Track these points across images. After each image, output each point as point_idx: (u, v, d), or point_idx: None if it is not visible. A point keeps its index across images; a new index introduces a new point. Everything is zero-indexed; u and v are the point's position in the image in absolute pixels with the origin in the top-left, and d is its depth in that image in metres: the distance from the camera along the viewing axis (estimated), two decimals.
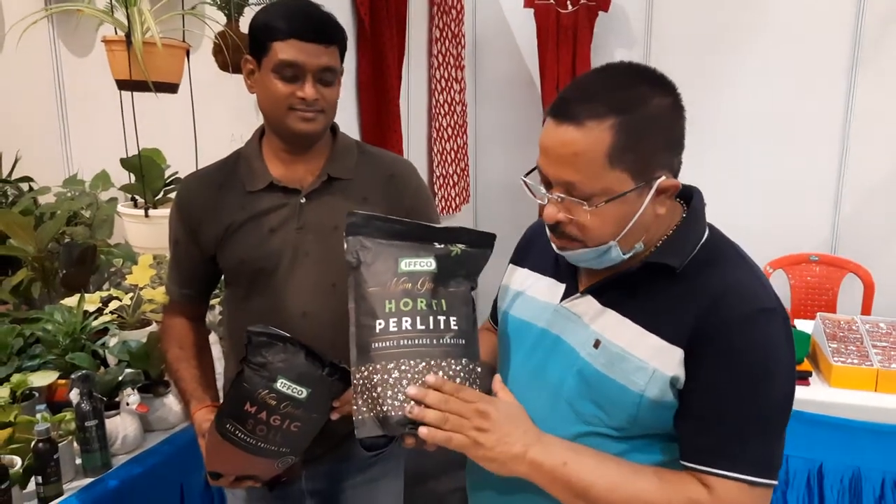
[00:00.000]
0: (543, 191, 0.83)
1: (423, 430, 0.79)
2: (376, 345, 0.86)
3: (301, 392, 0.99)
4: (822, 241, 3.01)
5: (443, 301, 0.88)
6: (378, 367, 0.85)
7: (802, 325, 2.18)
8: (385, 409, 0.83)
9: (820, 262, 2.79)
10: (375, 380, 0.84)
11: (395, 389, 0.83)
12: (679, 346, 0.79)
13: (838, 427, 1.72)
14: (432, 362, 0.85)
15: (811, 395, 1.78)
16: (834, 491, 1.73)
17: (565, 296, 0.90)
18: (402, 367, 0.84)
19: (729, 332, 0.78)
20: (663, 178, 0.79)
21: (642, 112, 0.78)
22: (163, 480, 1.48)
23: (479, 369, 0.87)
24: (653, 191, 0.79)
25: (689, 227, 0.86)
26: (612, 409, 0.83)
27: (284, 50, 1.08)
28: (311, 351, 1.00)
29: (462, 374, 0.85)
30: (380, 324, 0.86)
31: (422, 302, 0.87)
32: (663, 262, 0.82)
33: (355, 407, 0.85)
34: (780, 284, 2.77)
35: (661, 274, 0.83)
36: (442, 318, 0.87)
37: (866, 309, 2.63)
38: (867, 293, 2.64)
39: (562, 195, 0.80)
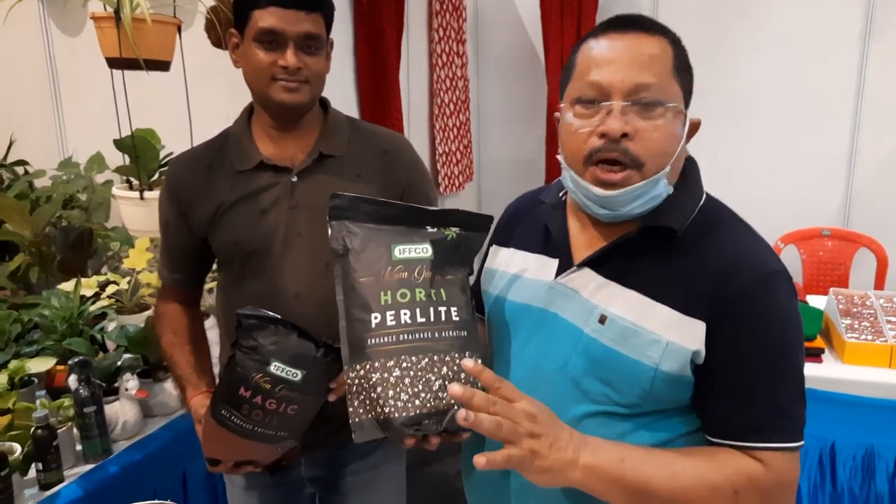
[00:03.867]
0: (602, 105, 0.77)
1: (479, 461, 0.67)
2: (372, 341, 0.79)
3: (296, 374, 0.96)
4: (835, 214, 2.96)
5: (442, 290, 0.82)
6: (376, 365, 0.78)
7: (815, 300, 2.14)
8: (387, 410, 0.76)
9: (832, 237, 2.73)
10: (374, 379, 0.78)
11: (398, 389, 0.77)
12: (699, 319, 0.76)
13: (851, 404, 1.69)
14: (435, 357, 0.78)
15: (824, 373, 1.74)
16: (846, 468, 1.70)
17: (560, 271, 0.86)
18: (404, 365, 0.77)
19: (748, 299, 0.76)
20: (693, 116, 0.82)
21: (682, 45, 0.82)
22: (164, 466, 1.47)
23: (479, 361, 0.81)
24: (687, 124, 0.81)
25: (686, 190, 0.83)
26: (622, 385, 0.79)
27: (264, 17, 1.05)
28: (304, 332, 0.98)
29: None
30: (375, 318, 0.80)
31: (420, 292, 0.80)
32: (663, 225, 0.79)
33: (351, 409, 0.79)
34: (792, 259, 2.73)
35: (660, 240, 0.80)
36: (442, 308, 0.81)
37: (880, 283, 2.58)
38: (880, 267, 2.60)
39: (633, 100, 0.77)
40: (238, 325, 0.98)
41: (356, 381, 0.79)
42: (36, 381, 1.50)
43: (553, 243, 0.89)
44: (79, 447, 1.36)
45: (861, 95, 2.86)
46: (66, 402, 1.38)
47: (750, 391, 0.76)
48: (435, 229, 0.86)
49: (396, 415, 0.76)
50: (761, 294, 0.76)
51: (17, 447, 1.28)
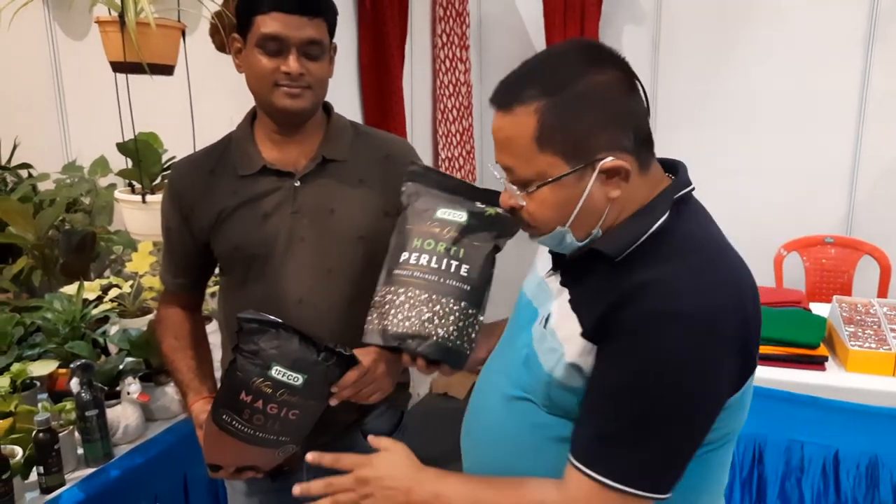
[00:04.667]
0: (501, 177, 0.83)
1: (296, 490, 0.89)
2: (397, 271, 1.01)
3: (297, 379, 0.97)
4: (838, 222, 2.95)
5: (461, 250, 1.01)
6: (392, 289, 1.01)
7: (818, 308, 2.13)
8: (385, 323, 0.99)
9: (835, 244, 2.73)
10: (388, 298, 1.00)
11: (398, 310, 0.99)
12: (587, 339, 0.78)
13: (855, 413, 1.68)
14: (433, 296, 0.98)
15: (827, 381, 1.73)
16: (850, 477, 1.69)
17: (550, 270, 0.91)
18: (408, 294, 0.99)
19: (626, 329, 0.74)
20: (609, 159, 0.75)
21: (571, 91, 0.75)
22: (166, 470, 1.46)
23: (480, 318, 1.00)
24: (595, 173, 0.76)
25: (637, 218, 0.80)
26: (535, 383, 0.84)
27: (266, 23, 1.05)
28: (305, 336, 0.98)
29: (457, 314, 0.98)
30: (405, 255, 1.02)
31: (441, 245, 1.01)
32: (599, 249, 0.79)
33: (369, 318, 1.01)
34: (795, 267, 2.72)
35: (605, 261, 0.80)
36: (454, 262, 1.00)
37: (883, 291, 2.57)
38: (884, 275, 2.59)
39: (509, 182, 0.81)
40: (239, 329, 0.98)
41: (379, 298, 1.02)
42: (38, 384, 1.50)
43: None
44: (80, 451, 1.36)
45: (865, 102, 2.85)
46: (68, 405, 1.37)
47: (590, 410, 0.78)
48: (481, 205, 1.04)
49: (391, 328, 0.99)
50: (643, 329, 0.73)
51: (19, 450, 1.28)
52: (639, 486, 0.74)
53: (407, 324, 0.97)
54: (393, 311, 0.98)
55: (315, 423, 1.05)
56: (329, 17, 1.10)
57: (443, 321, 0.97)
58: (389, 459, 0.88)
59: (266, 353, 0.96)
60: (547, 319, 0.84)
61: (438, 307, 0.97)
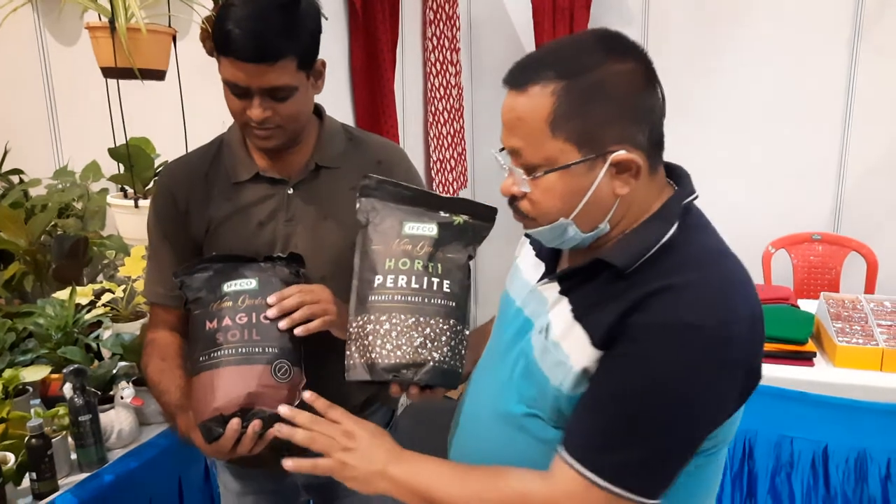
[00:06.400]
0: (505, 164, 0.80)
1: (287, 463, 0.85)
2: (373, 297, 0.93)
3: (250, 282, 1.00)
4: (825, 219, 2.98)
5: (439, 265, 0.94)
6: (372, 318, 0.92)
7: (806, 305, 2.16)
8: (373, 356, 0.91)
9: (822, 241, 2.76)
10: (368, 329, 0.92)
11: (384, 340, 0.91)
12: (598, 347, 0.76)
13: (843, 408, 1.70)
14: (421, 319, 0.91)
15: (815, 376, 1.76)
16: (839, 472, 1.71)
17: (543, 277, 0.88)
18: (393, 321, 0.91)
19: (632, 336, 0.73)
20: (622, 152, 0.73)
21: (590, 77, 0.73)
22: (160, 473, 1.46)
23: (466, 332, 0.94)
24: (606, 166, 0.74)
25: (646, 228, 0.78)
26: (539, 397, 0.81)
27: (227, 68, 1.01)
28: (241, 256, 1.04)
29: (448, 333, 0.92)
30: (378, 279, 0.93)
31: (418, 263, 0.93)
32: (608, 261, 0.77)
33: (348, 353, 0.93)
34: (783, 264, 2.75)
35: (611, 271, 0.77)
36: (436, 280, 0.93)
37: (870, 287, 2.61)
38: (870, 271, 2.62)
39: (513, 166, 0.78)
40: (180, 287, 1.02)
41: (356, 329, 0.93)
42: (31, 389, 1.49)
43: (545, 249, 0.91)
44: (74, 456, 1.35)
45: (850, 100, 2.89)
46: (61, 410, 1.37)
47: (585, 407, 0.77)
48: (446, 214, 0.97)
49: (380, 360, 0.90)
50: (654, 338, 0.72)
51: (11, 456, 1.28)
52: (626, 486, 0.73)
53: (398, 353, 0.90)
54: (378, 343, 0.90)
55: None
56: (298, 50, 1.02)
57: (435, 344, 0.91)
58: (379, 431, 0.87)
59: (212, 281, 1.00)
60: (547, 330, 0.81)
61: (429, 329, 0.90)
